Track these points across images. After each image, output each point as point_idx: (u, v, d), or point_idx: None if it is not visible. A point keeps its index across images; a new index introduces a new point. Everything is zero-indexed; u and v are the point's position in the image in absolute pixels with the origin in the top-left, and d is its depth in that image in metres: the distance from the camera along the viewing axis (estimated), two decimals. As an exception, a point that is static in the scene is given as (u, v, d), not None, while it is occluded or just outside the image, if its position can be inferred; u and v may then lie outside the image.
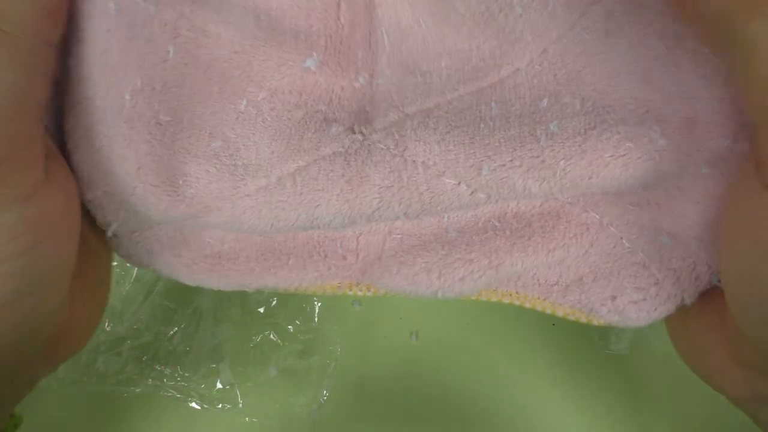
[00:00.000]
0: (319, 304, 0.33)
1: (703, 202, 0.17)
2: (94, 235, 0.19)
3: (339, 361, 0.32)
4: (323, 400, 0.31)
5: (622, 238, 0.18)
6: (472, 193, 0.17)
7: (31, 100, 0.15)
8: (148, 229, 0.19)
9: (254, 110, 0.17)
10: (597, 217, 0.18)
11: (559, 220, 0.18)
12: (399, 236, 0.20)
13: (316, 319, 0.32)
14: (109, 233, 0.19)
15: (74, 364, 0.31)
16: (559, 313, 0.20)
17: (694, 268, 0.18)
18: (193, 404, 0.31)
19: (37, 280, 0.16)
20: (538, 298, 0.20)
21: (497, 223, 0.19)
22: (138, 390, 0.31)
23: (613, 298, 0.19)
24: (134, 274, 0.33)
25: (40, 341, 0.17)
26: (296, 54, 0.17)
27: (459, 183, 0.17)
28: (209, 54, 0.17)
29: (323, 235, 0.20)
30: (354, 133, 0.17)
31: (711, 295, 0.18)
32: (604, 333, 0.32)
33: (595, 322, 0.20)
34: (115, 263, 0.33)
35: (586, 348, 0.32)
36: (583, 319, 0.20)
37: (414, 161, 0.17)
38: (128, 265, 0.33)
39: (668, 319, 0.19)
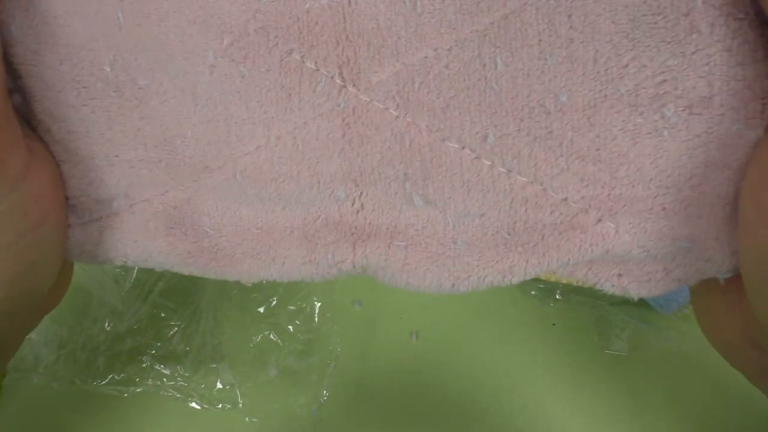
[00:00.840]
0: (319, 304, 0.33)
1: (719, 203, 0.16)
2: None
3: (339, 361, 0.32)
4: (323, 400, 0.31)
5: (637, 245, 0.17)
6: (476, 158, 0.16)
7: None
8: (145, 201, 0.19)
9: (226, 62, 0.16)
10: (612, 226, 0.17)
11: (573, 232, 0.17)
12: (404, 246, 0.18)
13: (316, 319, 0.32)
14: (114, 207, 0.19)
15: (74, 364, 0.31)
16: (563, 281, 0.20)
17: (707, 260, 0.17)
18: (193, 404, 0.31)
19: (46, 252, 0.17)
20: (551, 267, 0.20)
21: (507, 236, 0.17)
22: (138, 390, 0.31)
23: (619, 275, 0.18)
24: (134, 275, 0.33)
25: (37, 304, 0.19)
26: None
27: (463, 147, 0.16)
28: (157, 8, 0.16)
29: (318, 237, 0.18)
30: (345, 85, 0.16)
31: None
32: (604, 333, 0.32)
33: (598, 289, 0.19)
34: (116, 269, 0.33)
35: (586, 348, 0.32)
36: (585, 285, 0.19)
37: (417, 125, 0.16)
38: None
39: (693, 294, 0.19)
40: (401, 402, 0.31)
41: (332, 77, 0.16)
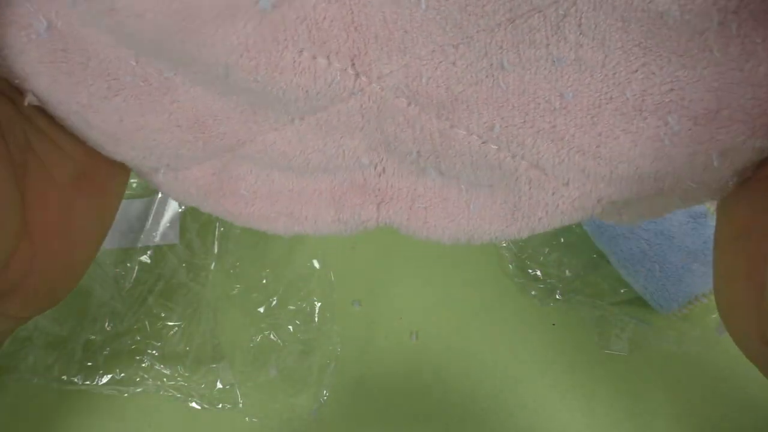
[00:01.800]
0: (319, 304, 0.33)
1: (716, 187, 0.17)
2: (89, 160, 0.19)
3: (339, 361, 0.32)
4: (323, 400, 0.31)
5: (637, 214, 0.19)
6: (483, 143, 0.17)
7: None
8: (187, 170, 0.20)
9: (239, 72, 0.16)
10: (613, 207, 0.18)
11: (575, 212, 0.19)
12: (424, 207, 0.20)
13: (316, 319, 0.32)
14: (160, 179, 0.20)
15: (74, 364, 0.31)
16: None
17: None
18: (193, 404, 0.31)
19: None
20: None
21: (513, 208, 0.19)
22: (138, 390, 0.31)
23: (620, 215, 0.19)
24: (134, 275, 0.33)
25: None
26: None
27: (471, 134, 0.17)
28: (153, 15, 0.15)
29: (345, 199, 0.20)
30: (358, 75, 0.16)
31: (757, 270, 0.17)
32: (604, 333, 0.32)
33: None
34: (116, 269, 0.33)
35: (586, 348, 0.32)
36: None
37: (427, 114, 0.17)
38: (128, 264, 0.33)
39: (716, 279, 0.19)
40: (401, 402, 0.31)
41: (346, 69, 0.16)
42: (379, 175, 0.20)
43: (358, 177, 0.20)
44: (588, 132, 0.16)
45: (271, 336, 0.32)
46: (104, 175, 0.20)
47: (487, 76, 0.16)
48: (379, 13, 0.15)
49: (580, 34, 0.15)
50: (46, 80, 0.17)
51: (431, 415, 0.31)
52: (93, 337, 0.31)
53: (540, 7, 0.15)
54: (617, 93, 0.16)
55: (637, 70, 0.15)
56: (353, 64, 0.16)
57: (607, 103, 0.16)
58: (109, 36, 0.16)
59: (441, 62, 0.16)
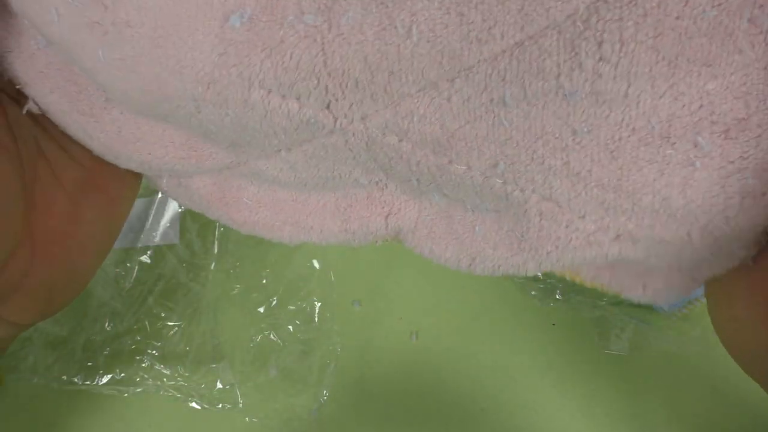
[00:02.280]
0: (319, 304, 0.33)
1: (751, 232, 0.15)
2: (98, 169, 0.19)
3: (339, 361, 0.32)
4: (323, 400, 0.31)
5: (656, 256, 0.16)
6: (486, 179, 0.15)
7: None
8: (189, 177, 0.19)
9: (209, 106, 0.14)
10: (632, 244, 0.16)
11: (590, 248, 0.16)
12: (430, 218, 0.19)
13: (316, 319, 0.32)
14: (164, 186, 0.19)
15: (74, 364, 0.31)
16: (588, 285, 0.19)
17: (734, 258, 0.16)
18: (193, 404, 0.31)
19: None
20: (567, 271, 0.19)
21: (520, 237, 0.17)
22: (138, 390, 0.31)
23: (644, 287, 0.18)
24: (134, 275, 0.33)
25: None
26: (213, 15, 0.13)
27: (471, 170, 0.15)
28: (132, 52, 0.14)
29: (351, 211, 0.19)
30: (336, 118, 0.14)
31: (760, 285, 0.16)
32: (604, 333, 0.32)
33: (626, 297, 0.19)
34: (116, 269, 0.33)
35: (586, 348, 0.32)
36: (611, 292, 0.19)
37: (422, 149, 0.15)
38: (128, 264, 0.33)
39: (713, 307, 0.18)
40: (401, 402, 0.31)
41: (321, 111, 0.14)
42: (382, 190, 0.19)
43: (361, 192, 0.19)
44: (607, 166, 0.14)
45: (271, 336, 0.32)
46: (113, 184, 0.20)
47: (486, 113, 0.14)
48: (359, 54, 0.13)
49: (600, 59, 0.12)
50: (49, 86, 0.17)
51: (431, 415, 0.31)
52: (93, 337, 0.31)
53: (556, 22, 0.12)
54: (642, 123, 0.14)
55: (664, 94, 0.13)
56: (329, 108, 0.14)
57: (629, 136, 0.14)
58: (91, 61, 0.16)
59: (434, 99, 0.14)
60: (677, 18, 0.12)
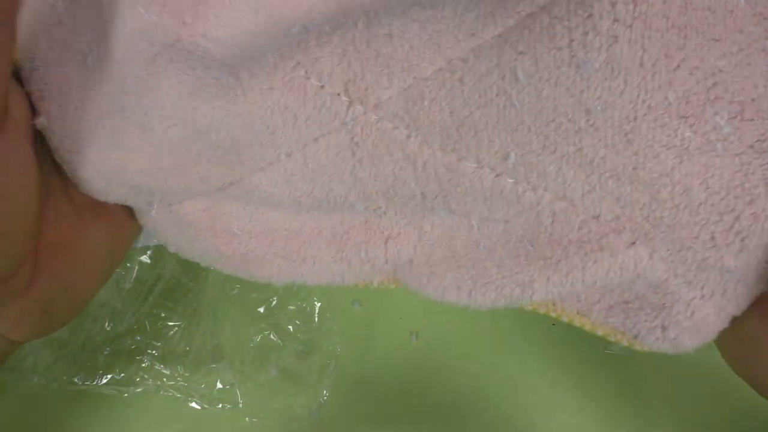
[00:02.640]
0: (319, 304, 0.33)
1: None
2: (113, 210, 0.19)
3: (339, 361, 0.32)
4: (323, 400, 0.31)
5: (675, 274, 0.15)
6: (497, 176, 0.15)
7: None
8: (179, 203, 0.18)
9: (228, 76, 0.14)
10: (647, 251, 0.15)
11: (602, 253, 0.15)
12: (430, 243, 0.18)
13: (316, 319, 0.32)
14: (153, 214, 0.19)
15: (74, 364, 0.31)
16: (599, 332, 0.18)
17: (761, 283, 0.15)
18: (193, 404, 0.31)
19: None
20: (577, 313, 0.18)
21: (530, 247, 0.16)
22: (138, 390, 0.31)
23: (663, 328, 0.16)
24: (134, 275, 0.33)
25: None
26: None
27: (482, 167, 0.15)
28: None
29: (347, 237, 0.18)
30: (351, 102, 0.15)
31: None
32: (604, 333, 0.32)
33: (638, 348, 0.17)
34: (117, 270, 0.33)
35: (586, 348, 0.32)
36: (625, 342, 0.17)
37: (430, 145, 0.15)
38: (128, 264, 0.33)
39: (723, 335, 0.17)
40: (401, 402, 0.31)
41: (338, 94, 0.15)
42: (381, 217, 0.18)
43: (358, 218, 0.18)
44: (621, 152, 0.14)
45: (271, 336, 0.32)
46: (121, 210, 0.19)
47: (498, 94, 0.14)
48: (385, 27, 0.14)
49: (615, 20, 0.12)
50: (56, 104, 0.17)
51: (431, 415, 0.31)
52: (93, 337, 0.31)
53: None
54: (658, 99, 0.13)
55: (678, 66, 0.13)
56: (346, 90, 0.15)
57: (644, 114, 0.13)
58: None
59: (447, 80, 0.14)
60: None
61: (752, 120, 0.13)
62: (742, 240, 0.14)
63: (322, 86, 0.14)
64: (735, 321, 0.16)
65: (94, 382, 0.31)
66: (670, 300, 0.16)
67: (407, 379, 0.32)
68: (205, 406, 0.31)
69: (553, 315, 0.18)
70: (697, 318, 0.15)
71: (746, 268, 0.14)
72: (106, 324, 0.32)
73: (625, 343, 0.17)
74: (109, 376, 0.31)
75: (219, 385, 0.31)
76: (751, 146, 0.13)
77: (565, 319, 0.18)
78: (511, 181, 0.15)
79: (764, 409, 0.30)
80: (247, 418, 0.31)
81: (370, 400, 0.31)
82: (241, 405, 0.31)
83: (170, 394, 0.31)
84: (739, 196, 0.14)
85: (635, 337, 0.17)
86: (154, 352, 0.32)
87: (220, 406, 0.31)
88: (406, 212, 0.17)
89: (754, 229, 0.14)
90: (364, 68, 0.14)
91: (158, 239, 0.20)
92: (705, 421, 0.30)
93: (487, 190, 0.15)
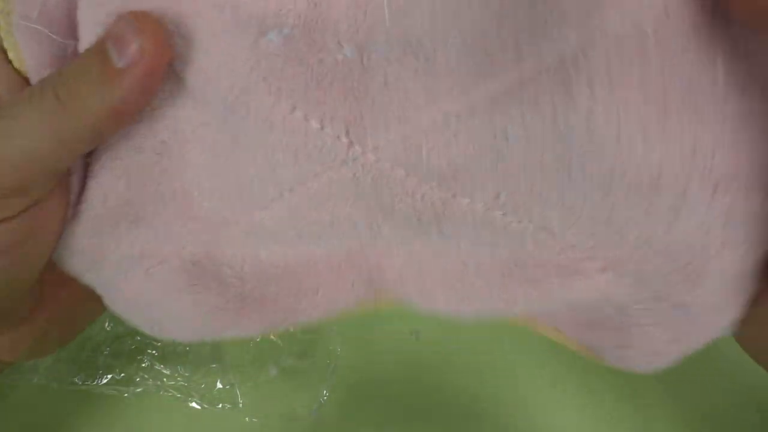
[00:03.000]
0: (319, 304, 0.33)
1: (731, 271, 0.15)
2: None
3: (339, 361, 0.32)
4: (323, 400, 0.31)
5: (635, 302, 0.17)
6: (487, 210, 0.16)
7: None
8: (164, 261, 0.18)
9: (233, 115, 0.15)
10: (616, 278, 0.17)
11: (578, 276, 0.17)
12: (419, 261, 0.18)
13: (316, 319, 0.32)
14: (129, 275, 0.18)
15: (74, 364, 0.31)
16: (572, 347, 0.19)
17: (719, 323, 0.16)
18: (193, 404, 0.31)
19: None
20: (553, 329, 0.20)
21: (515, 267, 0.17)
22: (138, 390, 0.31)
23: (621, 347, 0.18)
24: (134, 274, 0.33)
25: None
26: (254, 28, 0.14)
27: (474, 202, 0.16)
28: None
29: (342, 268, 0.19)
30: (352, 143, 0.16)
31: None
32: (604, 333, 0.32)
33: (606, 363, 0.19)
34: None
35: (586, 348, 0.32)
36: (594, 357, 0.19)
37: (428, 183, 0.16)
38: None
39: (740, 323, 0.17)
40: (401, 402, 0.31)
41: (338, 137, 0.15)
42: (375, 238, 0.18)
43: (354, 243, 0.19)
44: (598, 204, 0.15)
45: (271, 336, 0.32)
46: None
47: (490, 150, 0.15)
48: (380, 76, 0.15)
49: (593, 98, 0.13)
50: None
51: (431, 415, 0.31)
52: (93, 337, 0.31)
53: (548, 63, 0.13)
54: (632, 168, 0.14)
55: (657, 140, 0.14)
56: (347, 132, 0.15)
57: (621, 178, 0.14)
58: None
59: (442, 133, 0.15)
60: (659, 53, 0.13)
61: (724, 193, 0.14)
62: (693, 281, 0.16)
63: (322, 128, 0.15)
64: (752, 309, 0.17)
65: (94, 382, 0.31)
66: (628, 323, 0.17)
67: (407, 379, 0.32)
68: (205, 406, 0.31)
69: (531, 329, 0.19)
70: (649, 342, 0.17)
71: (701, 304, 0.16)
72: (106, 324, 0.32)
73: (594, 358, 0.19)
74: (109, 376, 0.31)
75: (219, 385, 0.31)
76: (717, 217, 0.15)
77: (542, 333, 0.19)
78: (500, 213, 0.16)
79: (765, 406, 0.30)
80: (247, 418, 0.31)
81: (370, 400, 0.31)
82: (241, 405, 0.31)
83: (170, 394, 0.31)
84: (695, 248, 0.15)
85: (599, 353, 0.19)
86: (154, 352, 0.32)
87: (220, 406, 0.31)
88: (400, 232, 0.18)
89: (709, 273, 0.15)
90: (362, 114, 0.15)
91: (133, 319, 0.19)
92: (706, 419, 0.30)
93: (478, 220, 0.17)
